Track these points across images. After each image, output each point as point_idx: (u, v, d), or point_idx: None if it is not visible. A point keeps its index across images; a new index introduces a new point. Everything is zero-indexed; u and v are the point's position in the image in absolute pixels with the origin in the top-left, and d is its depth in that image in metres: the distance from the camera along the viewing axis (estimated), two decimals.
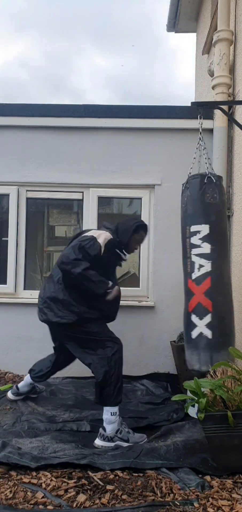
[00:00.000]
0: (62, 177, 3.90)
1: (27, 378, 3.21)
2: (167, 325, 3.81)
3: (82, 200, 3.96)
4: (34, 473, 2.17)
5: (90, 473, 2.17)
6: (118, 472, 2.18)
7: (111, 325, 3.75)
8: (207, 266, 2.72)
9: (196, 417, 2.40)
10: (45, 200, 4.16)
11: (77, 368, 3.20)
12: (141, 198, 3.95)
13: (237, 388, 2.27)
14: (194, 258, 2.77)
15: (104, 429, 2.59)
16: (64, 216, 4.53)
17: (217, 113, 3.72)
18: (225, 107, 3.53)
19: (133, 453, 2.34)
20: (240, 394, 2.27)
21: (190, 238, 2.79)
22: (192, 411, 2.83)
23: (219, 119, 3.74)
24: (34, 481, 2.08)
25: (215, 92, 3.80)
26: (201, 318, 2.69)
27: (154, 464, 2.25)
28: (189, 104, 3.16)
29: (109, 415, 2.60)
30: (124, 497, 1.95)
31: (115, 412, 2.62)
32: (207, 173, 2.85)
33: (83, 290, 2.69)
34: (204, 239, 2.75)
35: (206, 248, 2.74)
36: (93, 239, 2.74)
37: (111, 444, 2.54)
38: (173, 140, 3.90)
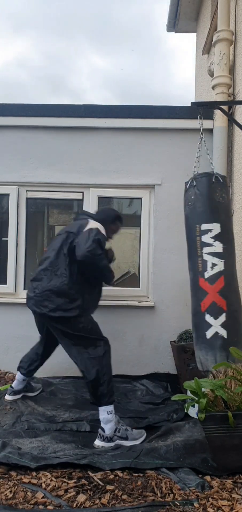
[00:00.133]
0: (62, 177, 3.90)
1: (18, 376, 3.24)
2: (167, 325, 3.81)
3: (82, 200, 3.96)
4: (34, 473, 2.17)
5: (90, 473, 2.17)
6: (119, 472, 2.18)
7: (111, 325, 3.77)
8: (220, 265, 2.70)
9: (196, 417, 2.40)
10: (45, 200, 4.16)
11: (77, 368, 3.19)
12: (141, 198, 3.95)
13: (238, 389, 2.27)
14: (206, 257, 2.73)
15: (103, 430, 2.59)
16: (64, 216, 4.53)
17: (217, 113, 3.72)
18: (225, 107, 3.53)
19: (133, 453, 2.34)
20: (240, 395, 2.27)
21: (200, 237, 2.75)
22: (192, 411, 2.83)
23: (219, 119, 3.74)
24: (34, 481, 2.08)
25: (215, 92, 3.81)
26: (215, 318, 2.65)
27: (154, 464, 2.25)
28: (189, 104, 3.17)
29: (106, 414, 2.62)
30: (124, 497, 1.95)
31: (111, 411, 2.63)
32: (214, 172, 2.85)
33: (95, 279, 2.91)
34: (216, 237, 2.72)
35: (219, 247, 2.72)
36: (100, 233, 2.82)
37: (111, 444, 2.55)
38: (173, 140, 3.90)
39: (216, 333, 2.64)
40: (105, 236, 2.92)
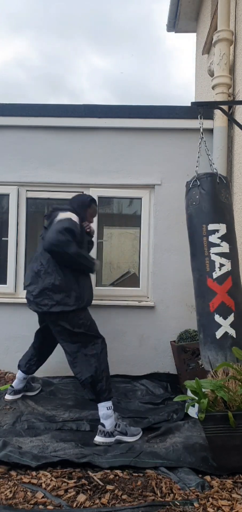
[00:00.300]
0: (62, 177, 3.90)
1: (19, 374, 3.25)
2: (167, 325, 3.81)
3: None
4: (34, 473, 2.17)
5: (90, 473, 2.17)
6: (118, 472, 2.18)
7: (111, 325, 3.77)
8: (228, 265, 2.72)
9: (196, 417, 2.40)
10: (45, 200, 4.15)
11: None
12: (141, 198, 3.95)
13: (239, 390, 2.27)
14: (213, 257, 2.74)
15: (103, 425, 2.62)
16: None
17: (217, 113, 3.72)
18: (225, 107, 3.53)
19: (132, 453, 2.35)
20: (241, 395, 2.27)
21: (207, 237, 2.76)
22: (192, 411, 2.83)
23: (219, 119, 3.74)
24: (34, 481, 2.08)
25: (215, 92, 3.81)
26: (225, 318, 2.67)
27: (154, 463, 2.25)
28: (189, 104, 3.16)
29: (106, 410, 2.65)
30: (124, 497, 1.95)
31: (111, 406, 2.68)
32: (217, 173, 2.86)
33: (75, 269, 2.84)
34: (223, 238, 2.74)
35: (225, 247, 2.74)
36: (70, 219, 2.85)
37: (112, 439, 2.57)
38: (173, 140, 3.90)
39: (226, 333, 2.66)
40: (77, 222, 2.91)
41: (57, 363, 3.45)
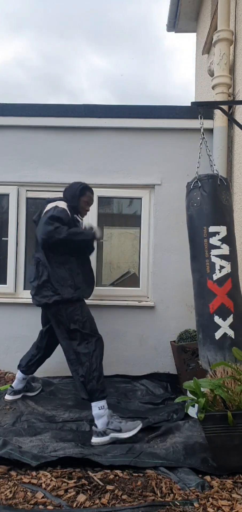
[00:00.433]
0: (62, 177, 3.89)
1: (18, 374, 3.26)
2: (167, 325, 3.81)
3: None
4: (34, 473, 2.17)
5: (90, 473, 2.17)
6: (118, 472, 2.18)
7: (111, 325, 3.77)
8: (228, 267, 2.75)
9: (196, 417, 2.40)
10: (45, 200, 4.15)
11: None
12: (141, 198, 3.95)
13: (237, 388, 2.27)
14: (214, 259, 2.76)
15: (95, 426, 2.62)
16: None
17: (217, 113, 3.72)
18: (225, 107, 3.53)
19: (132, 454, 2.35)
20: (240, 394, 2.27)
21: (208, 239, 2.78)
22: (192, 411, 2.83)
23: (219, 119, 3.74)
24: (34, 481, 2.08)
25: (215, 92, 3.81)
26: (224, 319, 2.70)
27: (154, 463, 2.25)
28: (189, 104, 3.16)
29: (98, 410, 2.65)
30: (124, 497, 1.95)
31: (103, 406, 2.66)
32: (218, 174, 2.87)
33: (74, 249, 2.83)
34: (223, 240, 2.77)
35: (226, 249, 2.77)
36: (56, 207, 2.85)
37: (107, 438, 2.57)
38: (173, 140, 3.90)
39: (225, 334, 2.69)
40: (65, 208, 2.89)
41: (57, 363, 3.45)
